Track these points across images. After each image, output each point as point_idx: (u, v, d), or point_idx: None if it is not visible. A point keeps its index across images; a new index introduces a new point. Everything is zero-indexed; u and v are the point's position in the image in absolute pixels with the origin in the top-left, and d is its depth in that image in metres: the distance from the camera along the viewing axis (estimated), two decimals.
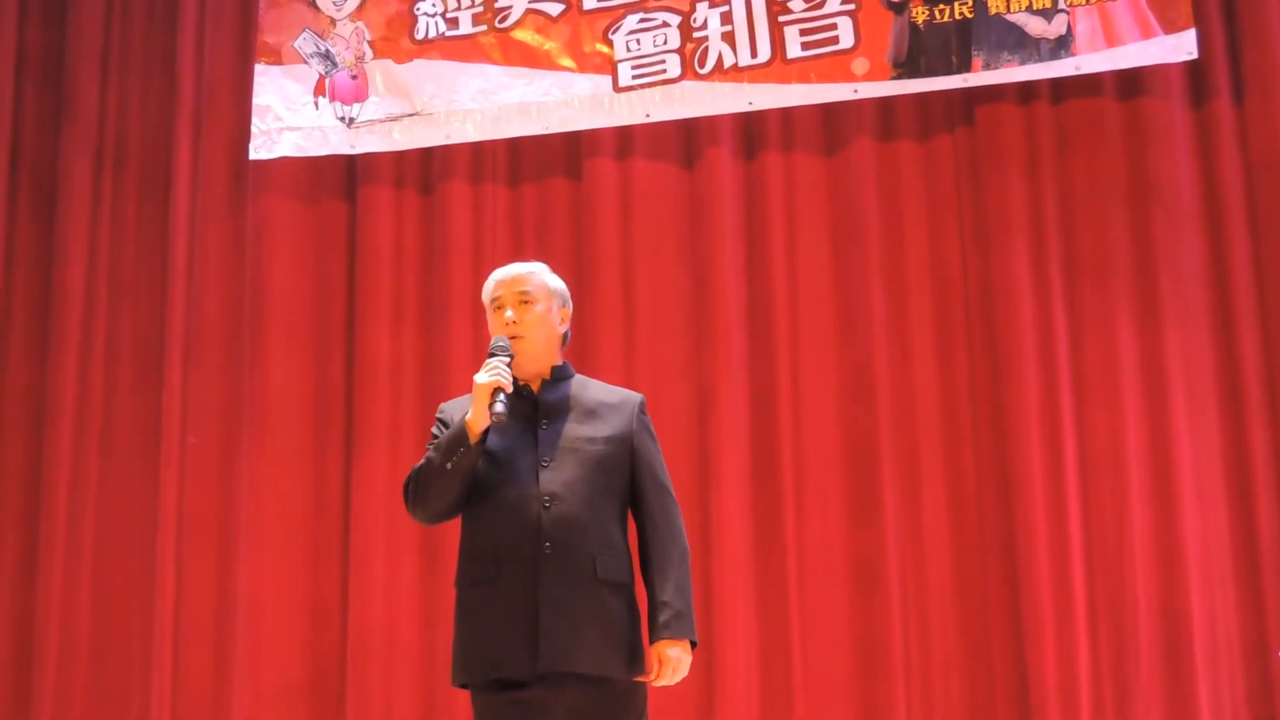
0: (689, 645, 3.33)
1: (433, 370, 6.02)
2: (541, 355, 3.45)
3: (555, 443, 3.38)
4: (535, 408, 3.38)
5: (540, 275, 3.54)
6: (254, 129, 6.23)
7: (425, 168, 6.27)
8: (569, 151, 6.13)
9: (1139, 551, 5.34)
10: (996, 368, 5.58)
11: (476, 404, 3.25)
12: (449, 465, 3.27)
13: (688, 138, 6.03)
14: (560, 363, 3.50)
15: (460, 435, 3.26)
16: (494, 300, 3.49)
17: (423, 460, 3.33)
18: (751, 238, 5.92)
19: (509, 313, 3.44)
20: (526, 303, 3.46)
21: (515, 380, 3.34)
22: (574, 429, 3.41)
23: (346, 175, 6.34)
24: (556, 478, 3.32)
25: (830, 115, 5.90)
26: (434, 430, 3.45)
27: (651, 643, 3.34)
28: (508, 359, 3.32)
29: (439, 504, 3.34)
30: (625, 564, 3.37)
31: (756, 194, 5.95)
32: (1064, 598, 5.32)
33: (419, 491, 3.34)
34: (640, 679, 3.33)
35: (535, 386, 3.41)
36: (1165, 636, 5.28)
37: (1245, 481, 5.39)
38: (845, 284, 5.80)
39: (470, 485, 3.31)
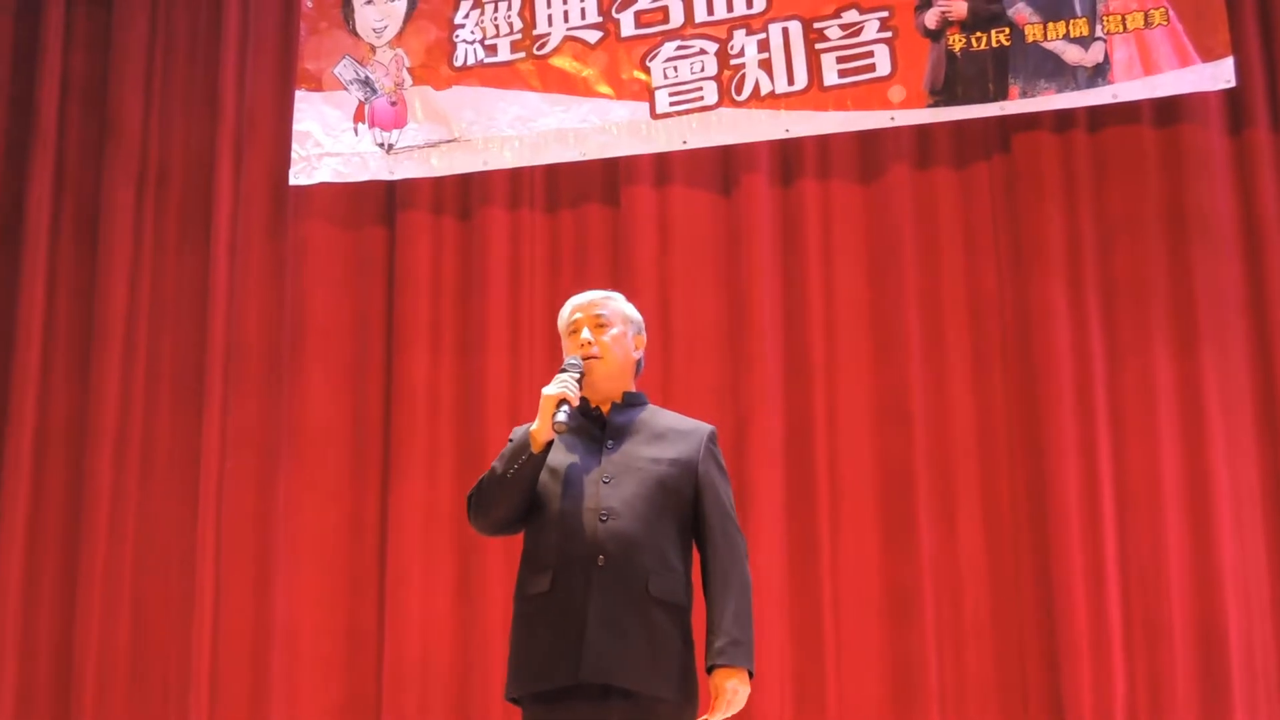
0: (746, 675, 3.31)
1: (470, 395, 6.02)
2: (615, 377, 3.49)
3: (620, 461, 3.40)
4: (604, 429, 3.42)
5: (617, 301, 3.59)
6: (294, 155, 6.26)
7: (463, 194, 6.27)
8: (606, 178, 6.12)
9: (1175, 579, 5.29)
10: (1033, 395, 5.55)
11: (541, 414, 3.28)
12: (509, 474, 3.30)
13: (725, 165, 6.02)
14: (633, 389, 3.54)
15: (523, 444, 3.30)
16: (570, 324, 3.54)
17: (487, 472, 3.37)
18: (788, 265, 5.90)
19: (585, 333, 3.48)
20: (602, 326, 3.50)
21: (585, 400, 3.38)
22: (640, 450, 3.43)
23: (385, 201, 6.34)
24: (616, 494, 3.33)
25: (867, 143, 5.88)
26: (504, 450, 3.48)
27: (708, 670, 3.33)
28: (578, 375, 3.37)
29: (499, 512, 3.36)
30: (681, 586, 3.37)
31: (793, 221, 5.93)
32: (1100, 625, 5.28)
33: (481, 500, 3.38)
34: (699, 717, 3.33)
35: (605, 409, 3.45)
36: (1201, 664, 5.23)
37: None
38: (881, 311, 5.77)
39: (530, 496, 3.34)
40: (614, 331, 3.53)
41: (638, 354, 3.59)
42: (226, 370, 6.27)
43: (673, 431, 3.50)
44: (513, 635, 3.37)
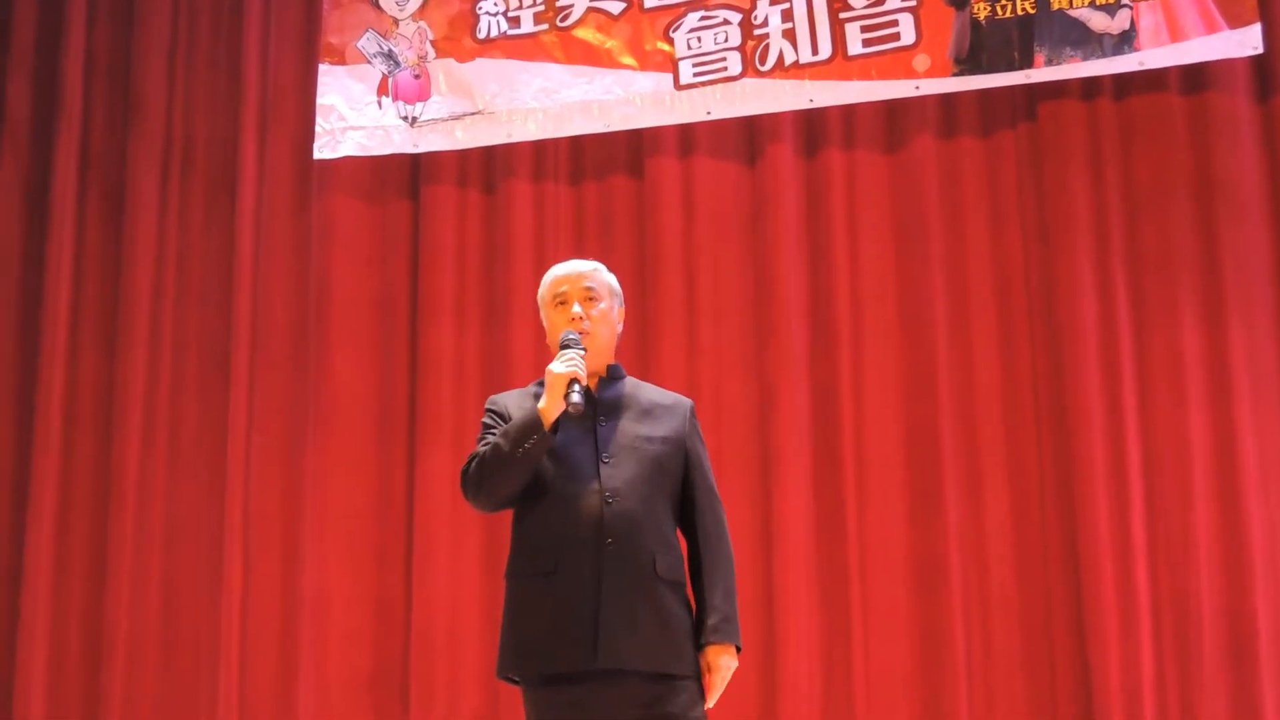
0: (735, 651, 3.37)
1: (495, 368, 6.05)
2: (602, 353, 3.49)
3: (615, 440, 3.40)
4: (594, 405, 3.40)
5: (602, 273, 3.58)
6: (318, 129, 6.28)
7: (487, 166, 6.30)
8: (630, 150, 6.14)
9: (1203, 550, 5.31)
10: (1059, 364, 5.56)
11: (551, 393, 3.26)
12: (519, 452, 3.26)
13: (749, 135, 6.03)
14: (614, 362, 3.54)
15: (533, 423, 3.26)
16: (557, 295, 3.52)
17: (487, 447, 3.33)
18: (813, 235, 5.91)
19: (576, 307, 3.47)
20: (592, 299, 3.50)
21: None
22: (632, 427, 3.44)
23: (410, 174, 6.37)
24: (617, 474, 3.34)
25: (892, 112, 5.88)
26: (486, 420, 3.47)
27: (699, 646, 3.37)
28: (582, 351, 3.35)
29: (504, 491, 3.34)
30: (679, 563, 3.40)
31: (818, 191, 5.94)
32: (1127, 597, 5.30)
33: (484, 478, 3.34)
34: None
35: (593, 384, 3.44)
36: (1230, 636, 5.24)
37: None
38: (907, 281, 5.79)
39: (532, 475, 3.33)
40: (602, 306, 3.53)
41: (619, 326, 3.60)
42: (253, 345, 6.31)
43: (658, 407, 3.52)
44: (510, 615, 3.37)
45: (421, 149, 6.23)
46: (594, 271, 3.57)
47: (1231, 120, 5.54)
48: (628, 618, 3.25)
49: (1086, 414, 5.45)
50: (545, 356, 5.83)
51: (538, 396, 3.38)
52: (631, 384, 3.56)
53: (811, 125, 5.99)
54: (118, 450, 6.33)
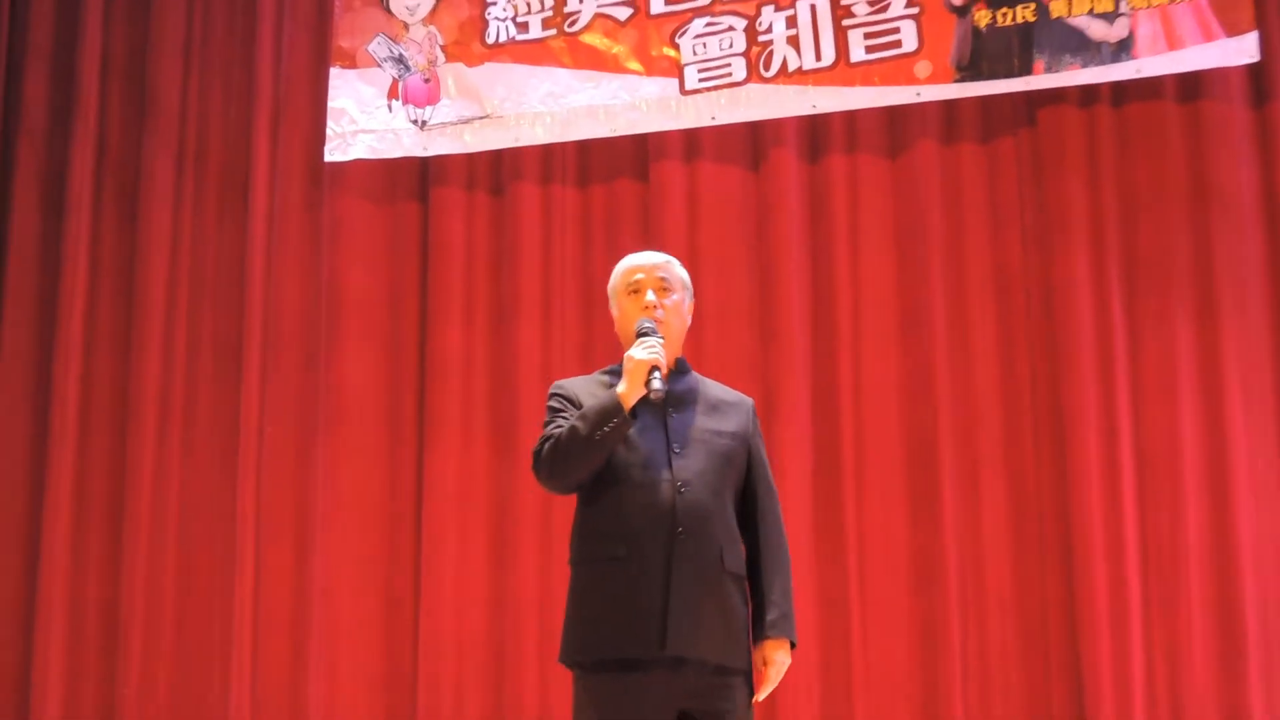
0: (789, 647, 3.41)
1: (503, 367, 6.10)
2: (673, 345, 3.48)
3: (685, 432, 3.41)
4: (665, 396, 3.39)
5: (676, 266, 3.58)
6: (329, 132, 6.31)
7: (495, 169, 6.31)
8: (636, 154, 6.16)
9: (1194, 549, 5.35)
10: (1056, 367, 5.60)
11: (632, 379, 3.27)
12: (597, 435, 3.26)
13: (753, 140, 6.05)
14: (681, 355, 3.54)
15: (614, 407, 3.26)
16: (630, 284, 3.52)
17: (562, 429, 3.33)
18: (816, 239, 5.94)
19: (650, 295, 3.47)
20: (665, 289, 3.51)
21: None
22: (701, 421, 3.45)
23: (419, 177, 6.39)
24: (689, 465, 3.35)
25: (893, 118, 5.91)
26: (553, 404, 3.47)
27: (756, 641, 3.40)
28: (661, 339, 3.35)
29: (580, 473, 3.34)
30: (742, 557, 3.42)
31: (820, 196, 5.96)
32: (1119, 595, 5.34)
33: (560, 460, 3.33)
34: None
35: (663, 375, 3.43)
36: (1220, 634, 5.28)
37: None
38: (907, 285, 5.81)
39: (606, 460, 3.33)
40: (675, 297, 3.53)
41: (689, 320, 3.60)
42: (264, 341, 6.33)
43: (724, 403, 3.53)
44: (578, 599, 3.37)
45: (431, 152, 6.26)
46: (668, 263, 3.57)
47: (1227, 127, 5.56)
48: (694, 608, 3.27)
49: (1082, 415, 5.49)
50: (552, 355, 5.96)
51: (605, 384, 3.41)
52: (697, 379, 3.57)
53: (815, 130, 6.00)
54: (133, 443, 6.35)
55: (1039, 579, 5.52)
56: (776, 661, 3.40)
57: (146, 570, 6.24)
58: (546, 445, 3.35)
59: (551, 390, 3.53)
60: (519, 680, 5.81)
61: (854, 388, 5.78)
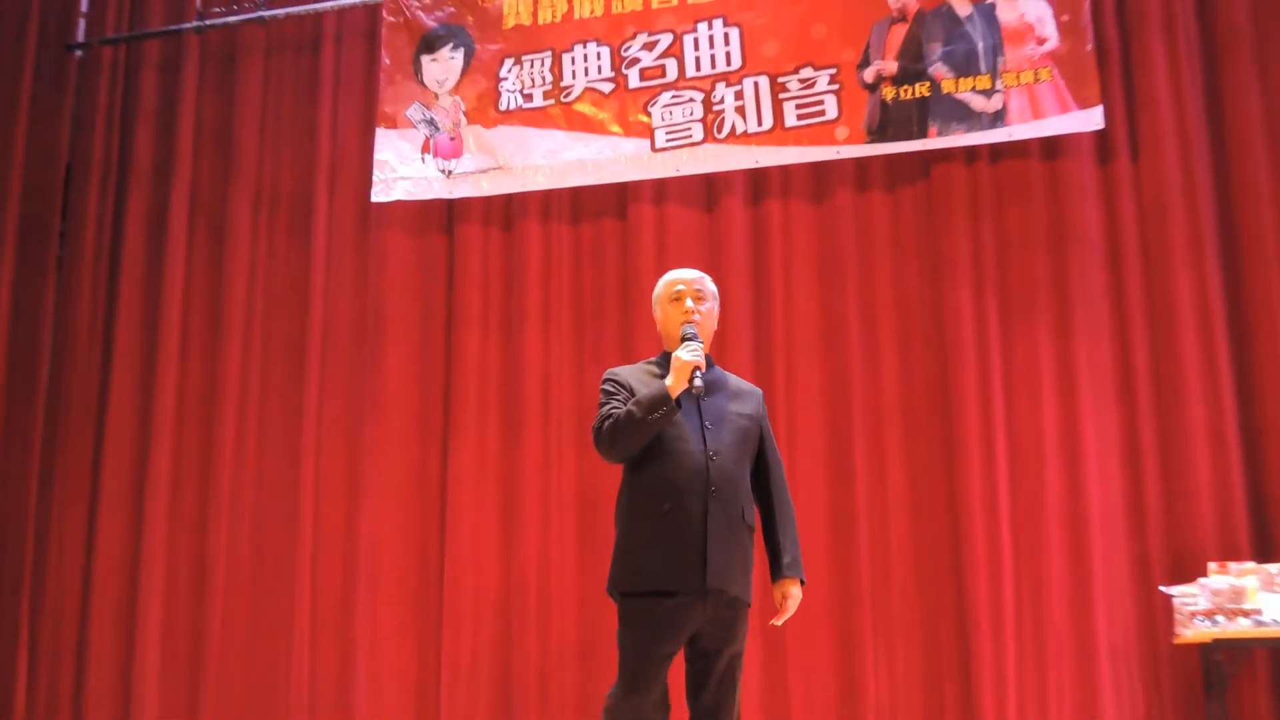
0: (800, 584, 3.78)
1: (511, 372, 6.61)
2: (706, 343, 3.81)
3: (715, 413, 3.71)
4: (703, 391, 3.71)
5: (708, 281, 3.92)
6: (375, 178, 6.82)
7: (506, 210, 6.85)
8: (617, 198, 6.69)
9: (1051, 508, 5.94)
10: (946, 372, 6.17)
11: (678, 375, 3.59)
12: (650, 419, 3.58)
13: (708, 188, 6.60)
14: (708, 351, 3.83)
15: (664, 397, 3.58)
16: (674, 293, 3.84)
17: (621, 412, 3.63)
18: (757, 267, 6.48)
19: (689, 302, 3.80)
20: (701, 298, 3.84)
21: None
22: (726, 404, 3.76)
23: (446, 215, 6.93)
24: (718, 439, 3.67)
25: (818, 171, 6.48)
26: (608, 388, 3.76)
27: (775, 580, 3.77)
28: (702, 344, 3.70)
29: (632, 447, 3.63)
30: (754, 514, 3.77)
31: (761, 232, 6.52)
32: (995, 542, 5.92)
33: (617, 436, 3.63)
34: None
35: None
36: (1072, 572, 5.88)
37: (1135, 459, 5.98)
38: (829, 306, 6.35)
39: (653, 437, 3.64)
40: (707, 305, 3.83)
41: (715, 324, 3.93)
42: (323, 348, 6.88)
43: (742, 391, 3.85)
44: (631, 543, 3.64)
45: (455, 195, 6.81)
46: (702, 278, 3.89)
47: (1079, 180, 6.15)
48: (725, 551, 3.56)
49: (965, 408, 6.11)
50: (551, 362, 6.52)
51: (652, 374, 3.74)
52: (719, 371, 3.87)
53: (756, 181, 6.58)
54: (217, 431, 6.95)
55: (931, 530, 6.10)
56: (793, 595, 3.75)
57: (228, 529, 6.83)
58: (606, 424, 3.67)
59: (605, 376, 3.82)
60: (524, 621, 6.37)
61: (786, 386, 6.37)
